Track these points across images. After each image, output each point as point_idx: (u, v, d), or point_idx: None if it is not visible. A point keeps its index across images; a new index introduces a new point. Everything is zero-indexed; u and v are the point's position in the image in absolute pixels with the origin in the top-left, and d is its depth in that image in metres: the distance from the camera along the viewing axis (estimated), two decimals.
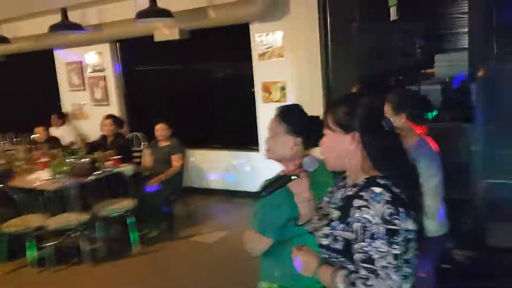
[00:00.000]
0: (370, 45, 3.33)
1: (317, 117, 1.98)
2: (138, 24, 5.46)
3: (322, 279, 1.44)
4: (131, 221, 4.51)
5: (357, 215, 1.31)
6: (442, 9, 4.24)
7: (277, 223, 1.82)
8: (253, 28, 5.49)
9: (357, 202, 1.33)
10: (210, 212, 5.87)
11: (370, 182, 1.36)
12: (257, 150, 5.75)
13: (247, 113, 5.84)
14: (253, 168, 5.87)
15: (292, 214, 1.72)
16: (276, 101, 5.49)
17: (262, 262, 1.99)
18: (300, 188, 1.61)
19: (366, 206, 1.30)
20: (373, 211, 1.28)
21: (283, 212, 1.78)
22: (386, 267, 1.27)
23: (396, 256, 1.27)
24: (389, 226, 1.27)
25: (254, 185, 5.98)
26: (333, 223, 1.41)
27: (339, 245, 1.38)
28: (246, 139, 5.95)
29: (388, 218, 1.27)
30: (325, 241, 1.42)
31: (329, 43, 4.48)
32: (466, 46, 3.98)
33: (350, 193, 1.41)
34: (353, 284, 1.32)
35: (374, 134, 1.39)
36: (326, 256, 1.44)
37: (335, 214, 1.43)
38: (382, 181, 1.34)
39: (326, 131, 1.47)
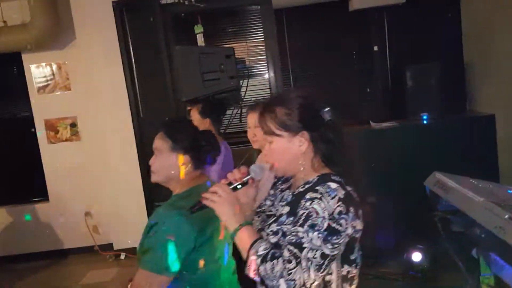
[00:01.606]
0: (190, 69, 3.21)
1: (208, 131, 1.77)
2: None
3: (241, 237, 1.34)
4: None
5: (307, 204, 1.28)
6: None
7: (177, 254, 1.58)
8: (27, 58, 4.65)
9: (310, 195, 1.30)
10: None
11: (325, 178, 1.34)
12: (46, 200, 4.82)
13: (29, 158, 4.86)
14: (41, 224, 4.86)
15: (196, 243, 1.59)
16: (65, 140, 4.74)
17: None
18: (245, 198, 1.44)
19: (319, 199, 1.27)
20: (324, 204, 1.26)
21: (182, 243, 1.58)
22: (311, 261, 1.24)
23: (323, 255, 1.25)
24: (333, 225, 1.25)
25: (46, 244, 5.20)
26: (281, 219, 1.37)
27: None
28: (30, 190, 4.95)
29: (336, 216, 1.25)
30: (273, 239, 1.35)
31: (134, 69, 4.14)
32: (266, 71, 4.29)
33: (302, 189, 1.37)
34: (274, 258, 1.26)
35: (319, 129, 1.36)
36: (261, 234, 1.39)
37: (284, 210, 1.39)
38: (336, 178, 1.33)
39: (270, 138, 1.40)
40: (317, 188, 1.31)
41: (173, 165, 1.72)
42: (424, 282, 3.49)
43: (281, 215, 1.38)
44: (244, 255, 1.33)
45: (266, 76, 4.24)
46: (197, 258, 1.65)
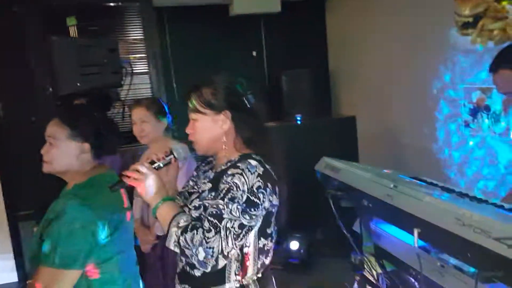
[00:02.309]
0: (68, 62, 2.98)
1: (110, 119, 1.70)
2: None
3: (162, 211, 1.39)
4: None
5: (228, 179, 1.36)
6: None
7: (85, 248, 1.50)
8: None
9: (232, 171, 1.38)
10: None
11: (246, 156, 1.43)
12: None
13: None
14: None
15: (104, 233, 1.53)
16: None
17: None
18: (166, 178, 1.50)
19: (240, 174, 1.35)
20: (244, 179, 1.35)
21: (89, 234, 1.50)
22: (229, 230, 1.31)
23: (241, 225, 1.33)
24: (252, 198, 1.34)
25: None
26: (203, 194, 1.43)
27: None
28: None
29: (255, 190, 1.35)
30: (195, 213, 1.40)
31: None
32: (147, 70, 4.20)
33: (224, 167, 1.45)
34: (193, 228, 1.32)
35: (242, 111, 1.46)
36: (183, 209, 1.43)
37: (207, 186, 1.45)
38: (256, 157, 1.42)
39: (195, 115, 1.46)
40: (238, 164, 1.39)
41: (70, 154, 1.61)
42: (303, 268, 3.78)
43: (203, 191, 1.45)
44: (165, 229, 1.36)
45: (147, 75, 4.16)
46: (103, 250, 1.57)
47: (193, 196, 1.48)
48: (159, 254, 2.60)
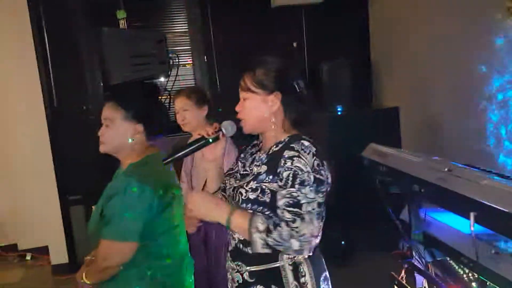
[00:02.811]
0: (118, 52, 3.09)
1: (159, 102, 1.77)
2: None
3: (235, 222, 1.41)
4: None
5: (288, 164, 1.38)
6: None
7: (142, 222, 1.59)
8: None
9: (288, 153, 1.39)
10: None
11: (296, 137, 1.45)
12: None
13: None
14: None
15: (160, 207, 1.62)
16: None
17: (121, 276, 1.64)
18: (213, 155, 1.54)
19: (298, 156, 1.37)
20: (304, 160, 1.37)
21: (146, 208, 1.59)
22: (311, 212, 1.35)
23: (320, 204, 1.38)
24: (318, 176, 1.37)
25: None
26: (260, 177, 1.44)
27: (266, 197, 1.41)
28: None
29: (317, 168, 1.37)
30: (252, 195, 1.42)
31: (49, 56, 3.84)
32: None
33: (276, 148, 1.47)
34: (276, 225, 1.34)
35: (291, 94, 1.47)
36: (251, 211, 1.43)
37: (262, 169, 1.46)
38: (306, 138, 1.44)
39: (246, 94, 1.48)
40: (292, 145, 1.41)
41: (125, 135, 1.71)
42: (344, 260, 3.76)
43: (259, 173, 1.45)
44: (246, 236, 1.40)
45: (191, 67, 4.25)
46: (158, 224, 1.66)
47: (248, 178, 1.49)
48: (202, 236, 2.68)
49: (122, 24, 3.73)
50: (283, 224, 1.34)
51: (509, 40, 2.99)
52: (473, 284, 1.71)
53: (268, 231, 1.34)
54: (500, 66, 3.10)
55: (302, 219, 1.33)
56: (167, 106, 3.67)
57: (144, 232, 1.61)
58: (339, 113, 4.23)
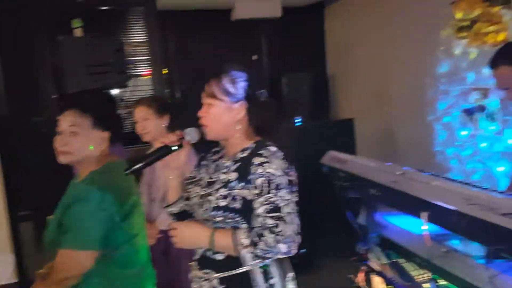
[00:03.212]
0: (74, 61, 3.03)
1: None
2: None
3: (219, 243, 1.42)
4: None
5: (260, 171, 1.41)
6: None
7: (103, 230, 1.56)
8: None
9: (257, 160, 1.44)
10: None
11: (262, 143, 1.50)
12: None
13: None
14: None
15: (121, 215, 1.59)
16: None
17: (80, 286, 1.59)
18: (176, 163, 1.53)
19: (268, 162, 1.42)
20: (274, 165, 1.42)
21: (107, 216, 1.56)
22: (290, 212, 1.39)
23: (296, 203, 1.44)
24: (289, 177, 1.44)
25: None
26: (230, 184, 1.46)
27: (237, 204, 1.43)
28: None
29: (287, 170, 1.44)
30: (223, 202, 1.44)
31: None
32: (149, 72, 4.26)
33: (243, 155, 1.50)
34: (260, 236, 1.36)
35: (256, 104, 1.53)
36: (221, 218, 1.45)
37: (231, 176, 1.47)
38: (271, 143, 1.50)
39: (211, 100, 1.50)
40: (260, 152, 1.45)
41: (93, 143, 1.65)
42: (305, 268, 3.81)
43: (229, 180, 1.47)
44: (233, 253, 1.40)
45: (150, 77, 4.21)
46: (118, 233, 1.63)
47: (216, 185, 1.50)
48: (163, 248, 2.64)
49: (78, 33, 3.67)
50: (266, 232, 1.36)
51: (458, 54, 3.20)
52: (428, 283, 1.78)
53: (253, 244, 1.36)
54: (451, 78, 3.30)
55: (284, 221, 1.36)
56: (125, 117, 3.62)
57: (105, 241, 1.58)
58: (298, 124, 4.33)
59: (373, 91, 4.19)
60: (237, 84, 1.51)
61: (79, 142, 1.62)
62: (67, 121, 1.64)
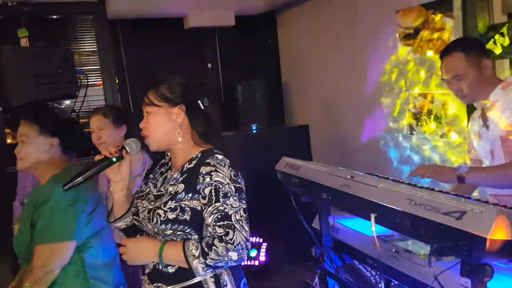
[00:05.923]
0: (21, 72, 2.90)
1: (73, 119, 1.81)
2: None
3: (169, 257, 1.41)
4: None
5: (207, 180, 1.41)
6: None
7: (74, 221, 1.70)
8: None
9: (204, 169, 1.42)
10: None
11: (208, 152, 1.48)
12: None
13: None
14: None
15: (89, 209, 1.74)
16: None
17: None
18: (118, 175, 1.50)
19: (215, 171, 1.41)
20: (222, 173, 1.41)
21: (77, 210, 1.70)
22: (240, 220, 1.40)
23: (245, 210, 1.44)
24: (237, 185, 1.44)
25: None
26: (178, 196, 1.44)
27: (187, 216, 1.42)
28: None
29: (234, 178, 1.44)
30: (172, 215, 1.42)
31: None
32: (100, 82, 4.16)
33: (190, 165, 1.48)
34: (210, 245, 1.35)
35: (196, 109, 1.51)
36: (171, 231, 1.42)
37: (179, 187, 1.45)
38: (218, 151, 1.49)
39: (150, 108, 1.49)
40: (207, 161, 1.44)
41: (42, 149, 1.77)
42: (262, 274, 3.83)
43: (176, 192, 1.45)
44: (184, 265, 1.40)
45: (101, 87, 4.12)
46: (90, 224, 1.76)
47: (164, 198, 1.47)
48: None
49: (24, 42, 3.53)
50: (216, 241, 1.36)
51: (404, 60, 3.33)
52: (380, 284, 1.83)
53: (204, 254, 1.35)
54: (398, 83, 3.43)
55: (234, 229, 1.37)
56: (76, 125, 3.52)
57: (80, 231, 1.71)
58: (254, 131, 4.36)
59: (325, 98, 4.29)
60: (173, 89, 1.49)
61: (28, 149, 1.77)
62: (20, 130, 1.80)
